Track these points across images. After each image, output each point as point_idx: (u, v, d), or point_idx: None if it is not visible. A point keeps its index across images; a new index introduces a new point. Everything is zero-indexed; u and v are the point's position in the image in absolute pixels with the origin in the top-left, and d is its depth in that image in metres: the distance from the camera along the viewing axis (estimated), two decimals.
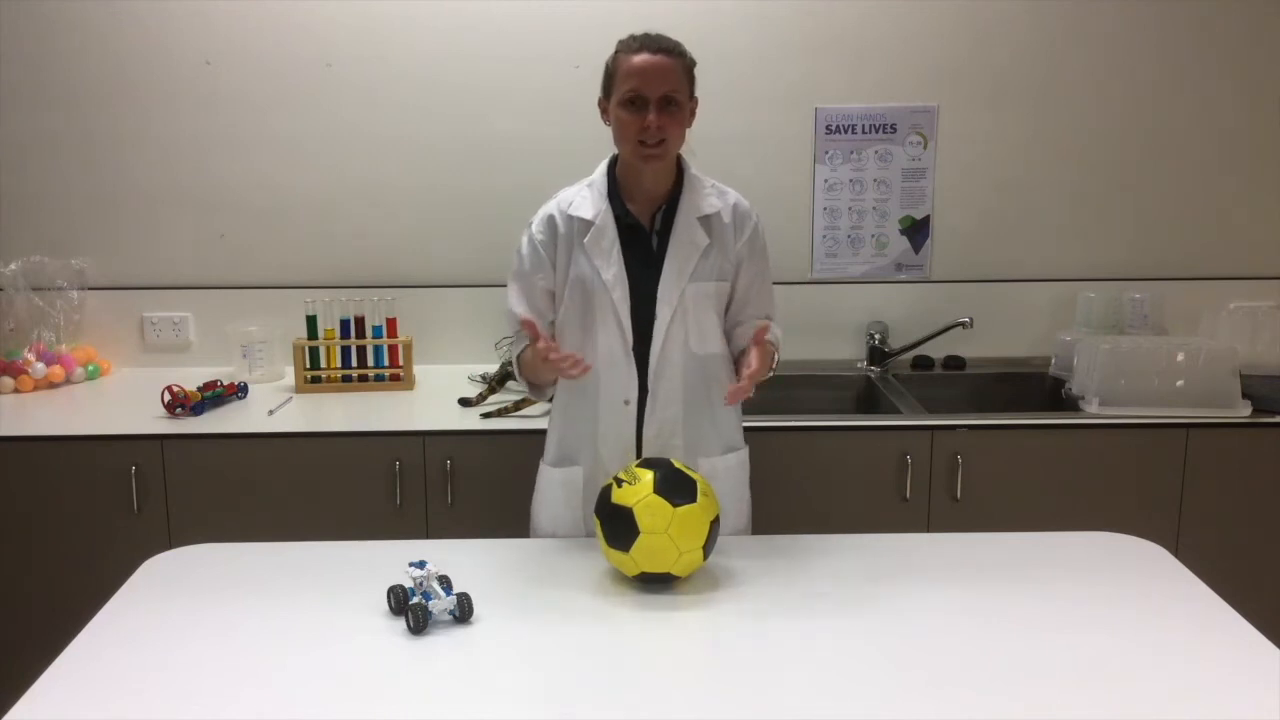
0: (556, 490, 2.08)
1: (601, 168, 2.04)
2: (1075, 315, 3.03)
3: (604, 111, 1.97)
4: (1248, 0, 2.95)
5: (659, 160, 1.92)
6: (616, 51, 1.94)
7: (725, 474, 2.05)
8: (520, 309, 2.01)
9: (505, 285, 2.06)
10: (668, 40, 1.92)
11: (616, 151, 2.00)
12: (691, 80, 1.95)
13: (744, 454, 2.14)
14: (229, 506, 2.46)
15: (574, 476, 2.06)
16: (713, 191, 2.02)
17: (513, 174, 2.96)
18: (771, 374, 1.97)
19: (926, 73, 2.98)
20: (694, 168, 2.03)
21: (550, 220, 2.01)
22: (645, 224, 1.99)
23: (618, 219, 1.98)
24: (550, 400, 2.12)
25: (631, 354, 1.99)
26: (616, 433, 2.01)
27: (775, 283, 2.11)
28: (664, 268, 1.97)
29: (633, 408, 2.00)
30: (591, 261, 1.97)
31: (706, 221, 1.99)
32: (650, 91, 1.87)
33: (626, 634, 1.57)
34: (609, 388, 2.00)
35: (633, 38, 1.92)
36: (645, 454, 1.99)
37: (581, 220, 1.98)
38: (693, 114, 1.97)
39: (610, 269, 1.96)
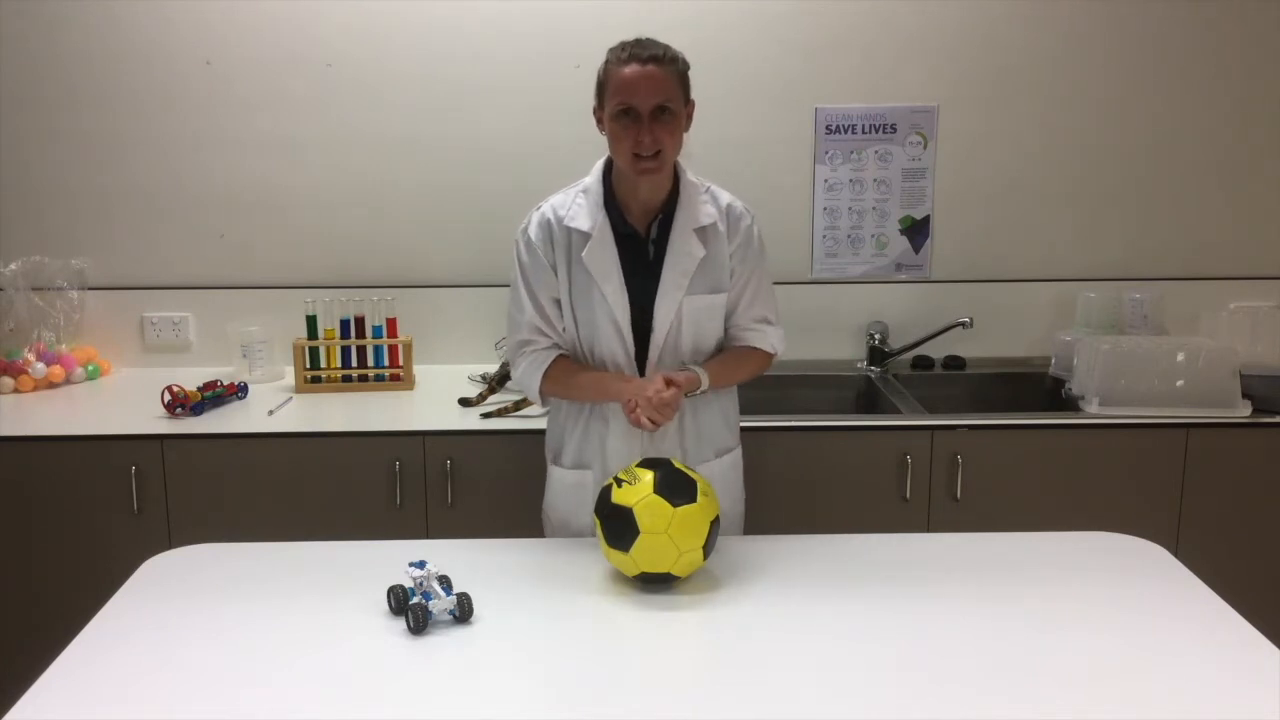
0: (569, 492, 2.08)
1: (597, 172, 2.00)
2: (1075, 315, 3.03)
3: (599, 120, 1.93)
4: (1247, 1, 2.95)
5: (655, 173, 1.89)
6: (607, 61, 1.89)
7: (719, 477, 2.04)
8: (534, 319, 2.00)
9: (506, 285, 2.05)
10: (657, 46, 1.87)
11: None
12: (685, 86, 1.91)
13: (737, 454, 2.14)
14: (229, 506, 2.46)
15: (585, 480, 2.06)
16: (708, 199, 1.99)
17: (513, 174, 2.96)
18: (701, 392, 1.98)
19: (926, 73, 2.98)
20: (690, 173, 2.00)
21: (547, 226, 1.98)
22: (641, 232, 1.98)
23: (614, 229, 1.96)
24: (546, 404, 2.11)
25: (634, 361, 1.99)
26: (625, 439, 2.01)
27: (775, 283, 2.11)
28: (660, 281, 1.96)
29: None
30: (590, 274, 1.95)
31: (703, 233, 1.97)
32: (642, 104, 1.83)
33: (626, 634, 1.57)
34: None
35: (622, 46, 1.88)
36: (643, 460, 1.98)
37: (579, 232, 1.96)
38: (689, 118, 1.94)
39: (610, 282, 1.95)
